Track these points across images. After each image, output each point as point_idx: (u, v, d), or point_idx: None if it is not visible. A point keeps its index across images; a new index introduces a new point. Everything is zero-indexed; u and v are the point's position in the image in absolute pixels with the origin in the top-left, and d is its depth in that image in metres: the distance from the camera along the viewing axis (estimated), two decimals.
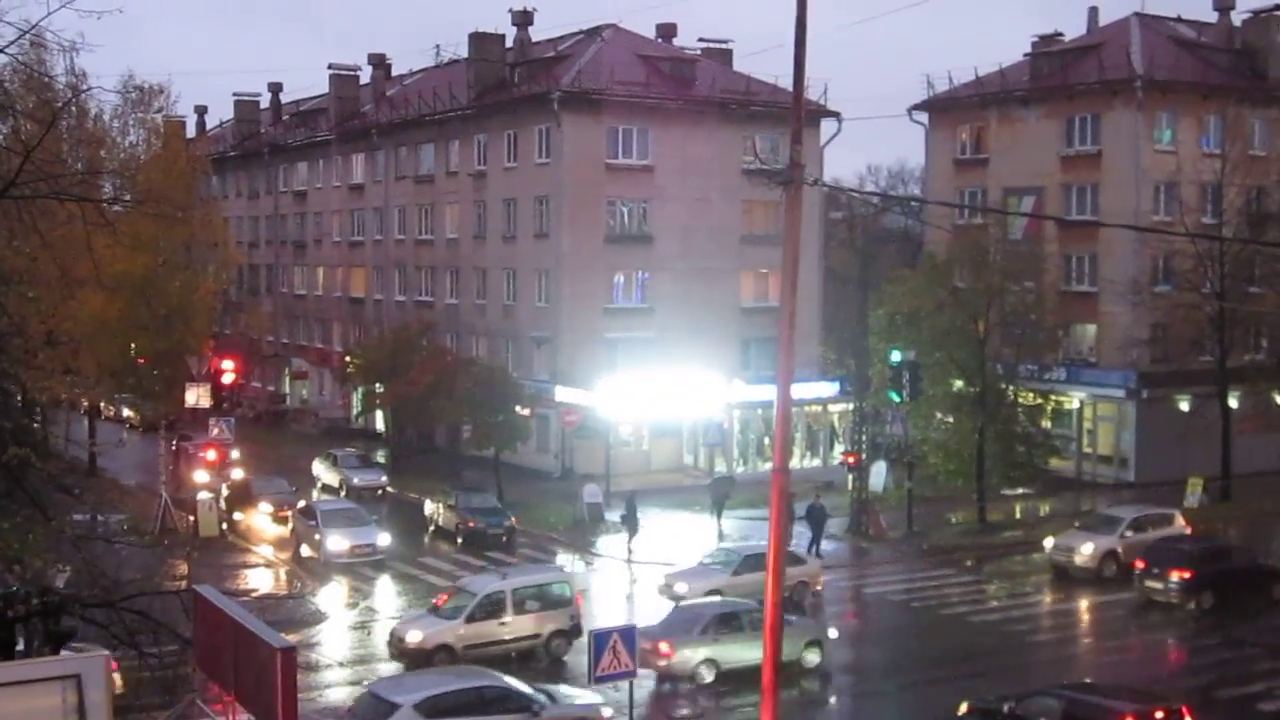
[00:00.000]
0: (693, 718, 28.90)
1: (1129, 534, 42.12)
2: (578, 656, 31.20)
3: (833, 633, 33.28)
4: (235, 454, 57.15)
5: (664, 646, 30.29)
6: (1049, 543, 43.44)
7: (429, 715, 24.23)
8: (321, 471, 57.14)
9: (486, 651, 31.84)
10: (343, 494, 53.54)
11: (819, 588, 39.38)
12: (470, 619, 32.19)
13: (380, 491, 54.79)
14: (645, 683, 29.37)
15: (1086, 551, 41.73)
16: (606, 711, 26.79)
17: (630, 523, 45.61)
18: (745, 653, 29.29)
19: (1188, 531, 43.24)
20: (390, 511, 51.76)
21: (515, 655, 32.38)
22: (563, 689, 27.62)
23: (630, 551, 44.81)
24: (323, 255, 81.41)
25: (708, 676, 30.57)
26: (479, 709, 25.08)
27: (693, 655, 30.51)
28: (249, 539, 47.67)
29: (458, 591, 33.98)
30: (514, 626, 32.66)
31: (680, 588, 37.14)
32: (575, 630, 33.02)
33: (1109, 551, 41.66)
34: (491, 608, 32.52)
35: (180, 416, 57.88)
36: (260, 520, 49.14)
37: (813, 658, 32.06)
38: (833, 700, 31.59)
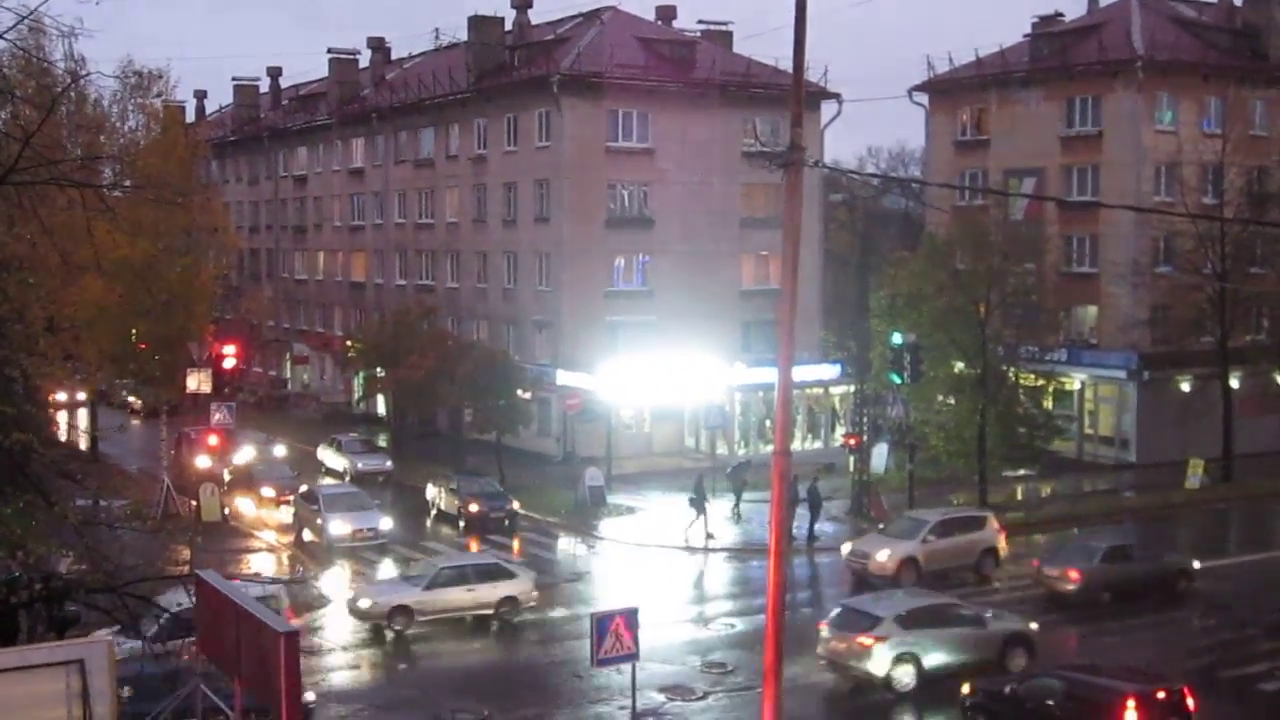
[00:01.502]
0: None
1: (931, 539, 39.10)
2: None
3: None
4: (280, 450, 57.03)
5: (1073, 574, 36.23)
6: (846, 547, 40.66)
7: (906, 626, 29.18)
8: (326, 457, 57.20)
9: None
10: (347, 479, 53.56)
11: (532, 603, 35.66)
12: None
13: (381, 477, 54.77)
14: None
15: (882, 558, 38.45)
16: (1033, 625, 31.32)
17: (699, 505, 45.34)
18: (1133, 582, 36.09)
19: (1001, 535, 40.59)
20: (392, 496, 51.82)
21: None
22: (992, 611, 31.85)
23: (710, 536, 44.78)
24: (323, 240, 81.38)
25: (1106, 598, 36.02)
26: (944, 622, 29.95)
27: (1096, 580, 36.05)
28: (251, 524, 47.72)
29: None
30: None
31: (364, 603, 34.36)
32: None
33: (908, 558, 38.32)
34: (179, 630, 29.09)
35: (181, 402, 57.88)
36: (262, 505, 49.19)
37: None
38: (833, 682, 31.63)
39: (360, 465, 54.93)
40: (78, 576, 20.60)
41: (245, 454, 53.70)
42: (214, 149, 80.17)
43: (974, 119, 64.63)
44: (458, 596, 34.78)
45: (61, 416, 64.14)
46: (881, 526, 42.24)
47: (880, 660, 28.86)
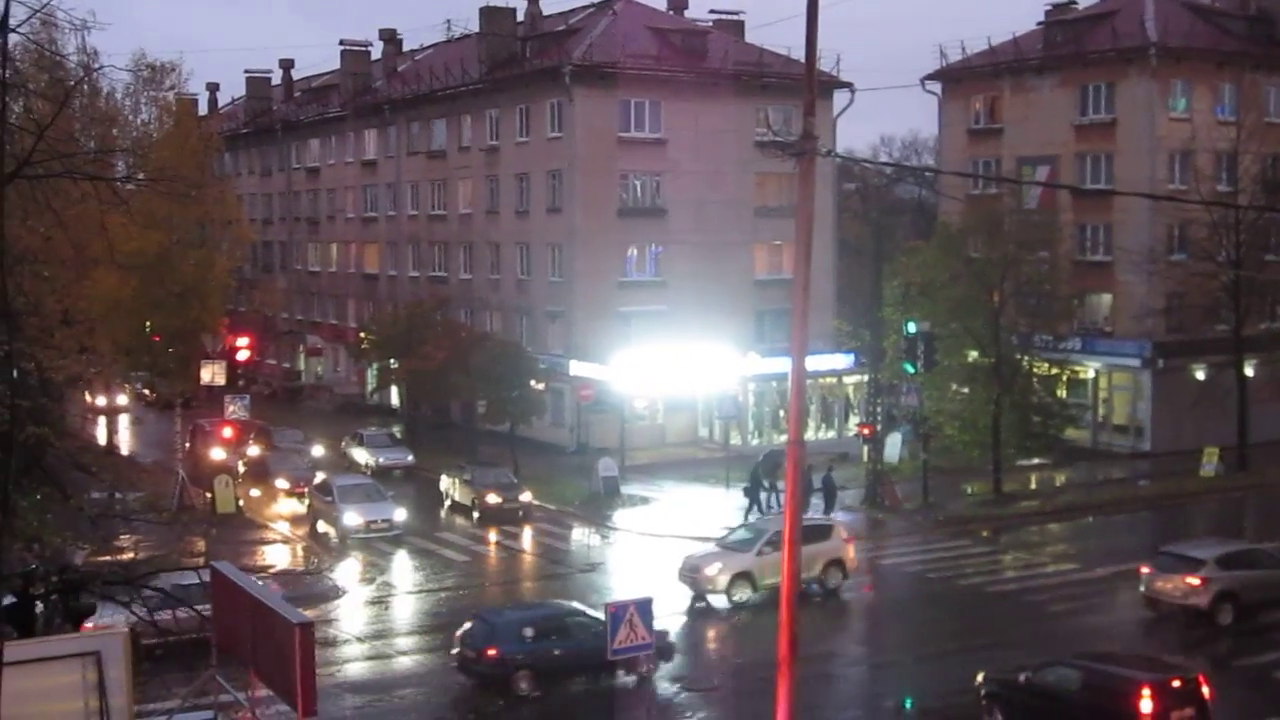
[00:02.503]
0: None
1: (767, 551, 35.35)
2: None
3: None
4: (318, 450, 56.66)
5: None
6: (681, 562, 37.28)
7: (1225, 567, 33.37)
8: (350, 451, 56.76)
9: None
10: (369, 474, 52.68)
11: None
12: None
13: (398, 471, 54.36)
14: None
15: (711, 572, 35.52)
16: None
17: (754, 495, 44.80)
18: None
19: (849, 546, 37.78)
20: (406, 487, 51.75)
21: None
22: None
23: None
24: (336, 231, 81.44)
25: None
26: (1255, 564, 33.97)
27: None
28: (266, 516, 47.79)
29: None
30: None
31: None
32: None
33: (741, 573, 35.32)
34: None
35: (196, 394, 58.03)
36: (277, 497, 49.22)
37: None
38: (848, 672, 31.66)
39: (381, 459, 54.62)
40: (94, 568, 20.69)
41: (286, 456, 52.92)
42: (227, 141, 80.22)
43: (987, 107, 64.45)
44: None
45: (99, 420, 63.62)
46: (721, 538, 38.72)
47: (1205, 597, 32.88)
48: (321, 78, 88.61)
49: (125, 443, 62.29)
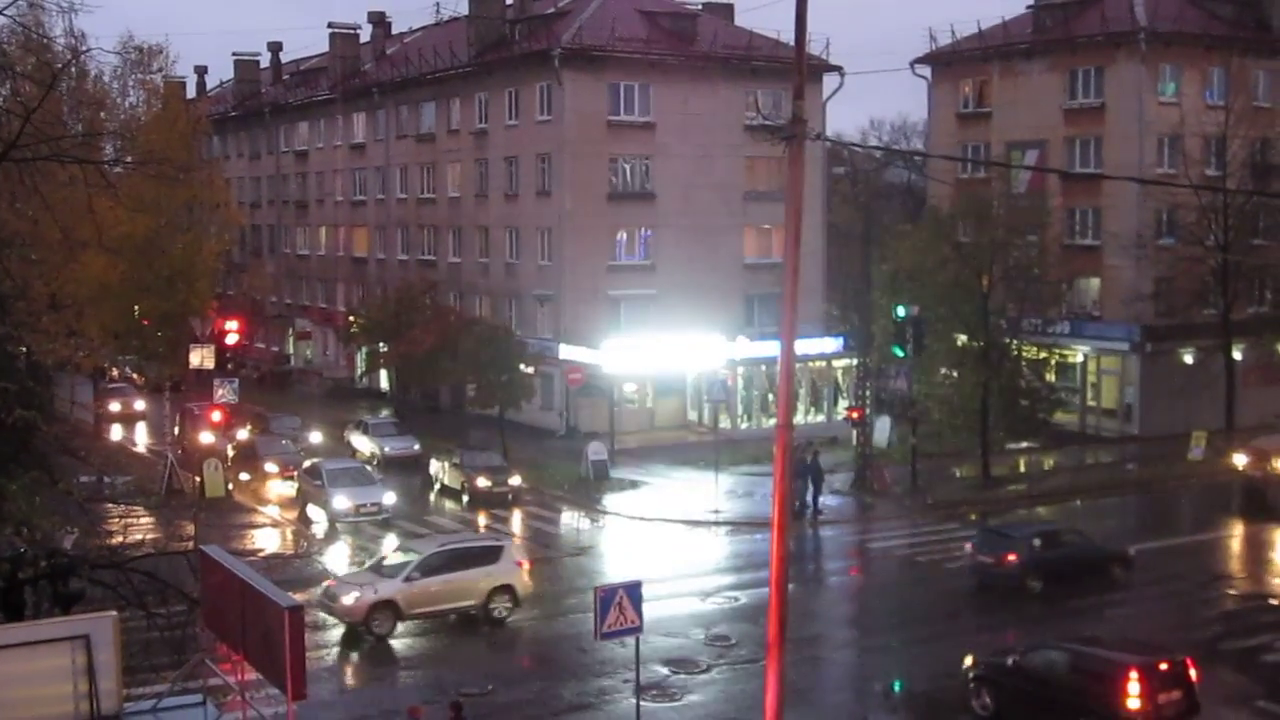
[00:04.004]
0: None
1: (417, 576, 31.83)
2: None
3: None
4: (315, 437, 56.19)
5: None
6: (320, 587, 33.82)
7: None
8: (352, 438, 56.39)
9: None
10: (375, 464, 52.11)
11: None
12: None
13: (378, 461, 53.78)
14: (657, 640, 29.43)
15: (348, 601, 31.26)
16: None
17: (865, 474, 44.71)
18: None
19: (523, 569, 33.72)
20: (396, 471, 51.56)
21: None
22: None
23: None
24: (325, 215, 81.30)
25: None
26: None
27: None
28: (255, 499, 47.72)
29: None
30: None
31: None
32: None
33: (383, 601, 31.15)
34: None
35: (185, 378, 57.88)
36: (266, 481, 49.11)
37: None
38: (837, 655, 31.74)
39: (388, 449, 53.66)
40: (82, 553, 20.65)
41: (275, 441, 52.55)
42: (215, 124, 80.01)
43: (976, 91, 64.48)
44: None
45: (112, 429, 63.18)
46: (383, 558, 34.66)
47: None
48: (310, 61, 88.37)
49: (117, 429, 62.14)
